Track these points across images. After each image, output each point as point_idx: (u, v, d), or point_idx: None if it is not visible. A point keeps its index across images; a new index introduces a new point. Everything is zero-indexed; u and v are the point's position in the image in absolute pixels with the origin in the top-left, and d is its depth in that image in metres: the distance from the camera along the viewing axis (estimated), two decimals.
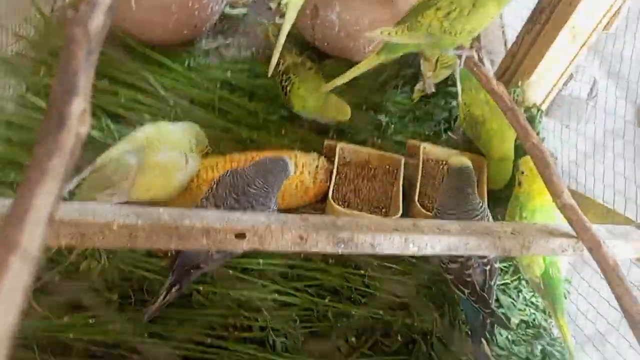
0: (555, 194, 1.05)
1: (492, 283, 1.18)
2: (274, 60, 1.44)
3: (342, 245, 1.00)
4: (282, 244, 0.98)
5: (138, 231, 0.94)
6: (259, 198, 1.13)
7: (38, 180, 0.37)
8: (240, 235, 0.97)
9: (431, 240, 1.01)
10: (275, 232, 0.97)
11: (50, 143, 0.38)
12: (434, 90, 1.59)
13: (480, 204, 1.19)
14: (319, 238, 0.99)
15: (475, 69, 1.24)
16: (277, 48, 1.42)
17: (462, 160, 1.19)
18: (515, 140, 1.37)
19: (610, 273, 0.97)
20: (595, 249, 1.00)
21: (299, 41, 1.76)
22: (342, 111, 1.41)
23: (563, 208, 1.03)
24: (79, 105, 0.43)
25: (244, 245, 0.98)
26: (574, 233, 1.04)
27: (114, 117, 1.43)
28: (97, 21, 0.47)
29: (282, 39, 1.40)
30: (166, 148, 1.15)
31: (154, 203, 1.17)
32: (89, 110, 0.44)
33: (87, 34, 0.46)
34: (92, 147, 1.32)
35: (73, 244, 0.95)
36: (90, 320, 1.12)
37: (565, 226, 1.05)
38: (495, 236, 1.02)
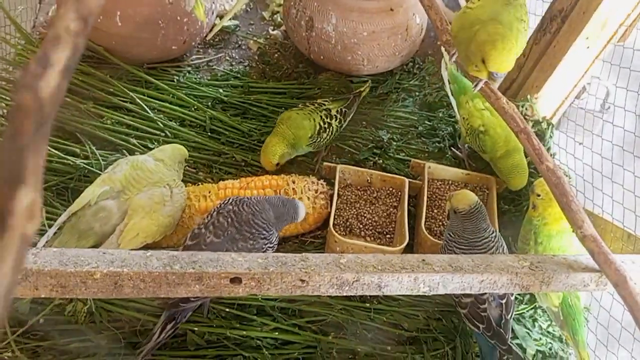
0: (575, 224, 0.97)
1: (509, 317, 1.10)
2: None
3: (347, 288, 0.93)
4: (282, 288, 0.91)
5: (124, 279, 0.86)
6: (263, 231, 1.06)
7: None
8: (236, 280, 0.89)
9: (443, 278, 0.94)
10: (274, 276, 0.89)
11: None
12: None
13: (493, 233, 1.11)
14: (322, 280, 0.91)
15: (484, 87, 1.16)
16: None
17: (467, 199, 1.10)
18: None
19: (638, 311, 0.90)
20: (620, 284, 0.92)
21: (293, 54, 1.68)
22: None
23: (584, 239, 0.96)
24: (27, 197, 0.34)
25: (240, 291, 0.90)
26: (596, 266, 0.96)
27: (99, 142, 1.34)
28: (51, 84, 0.39)
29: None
30: (146, 185, 1.06)
31: (148, 246, 1.09)
32: (39, 200, 0.35)
33: (38, 100, 0.38)
34: (77, 177, 1.25)
35: (54, 296, 0.88)
36: None
37: (586, 257, 0.98)
38: (512, 272, 0.95)
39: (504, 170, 1.33)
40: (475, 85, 1.14)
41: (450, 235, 1.12)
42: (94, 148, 1.31)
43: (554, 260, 0.98)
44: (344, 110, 1.40)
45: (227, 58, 1.68)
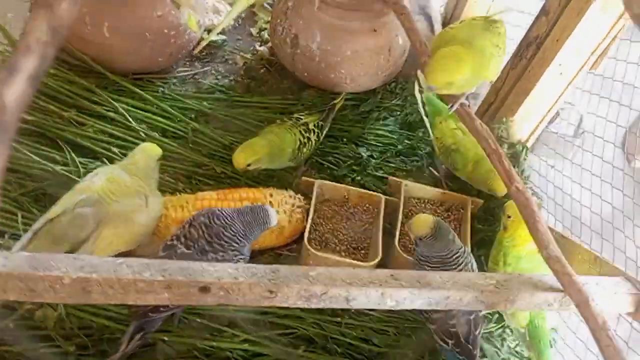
0: (541, 244, 1.00)
1: (477, 333, 1.11)
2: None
3: (315, 300, 0.94)
4: (250, 299, 0.92)
5: (92, 285, 0.87)
6: (233, 243, 1.07)
7: None
8: (205, 289, 0.91)
9: (410, 294, 0.95)
10: (243, 286, 0.90)
11: None
12: None
13: (462, 247, 1.13)
14: (290, 292, 0.92)
15: (459, 108, 1.19)
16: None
17: (425, 223, 1.12)
18: None
19: (599, 332, 0.92)
20: (582, 305, 0.94)
21: (279, 70, 1.71)
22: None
23: (549, 260, 0.98)
24: None
25: (208, 300, 0.91)
26: (561, 286, 0.99)
27: (80, 150, 1.36)
28: (16, 91, 0.41)
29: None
30: (122, 195, 1.07)
31: (123, 255, 1.10)
32: None
33: (2, 106, 0.40)
34: (56, 184, 1.26)
35: (22, 300, 0.88)
36: None
37: (551, 278, 1.00)
38: (478, 289, 0.97)
39: (481, 180, 1.33)
40: (451, 107, 1.17)
41: (422, 258, 1.14)
42: (74, 155, 1.32)
43: (520, 280, 1.00)
44: (320, 124, 1.43)
45: (213, 72, 1.70)
